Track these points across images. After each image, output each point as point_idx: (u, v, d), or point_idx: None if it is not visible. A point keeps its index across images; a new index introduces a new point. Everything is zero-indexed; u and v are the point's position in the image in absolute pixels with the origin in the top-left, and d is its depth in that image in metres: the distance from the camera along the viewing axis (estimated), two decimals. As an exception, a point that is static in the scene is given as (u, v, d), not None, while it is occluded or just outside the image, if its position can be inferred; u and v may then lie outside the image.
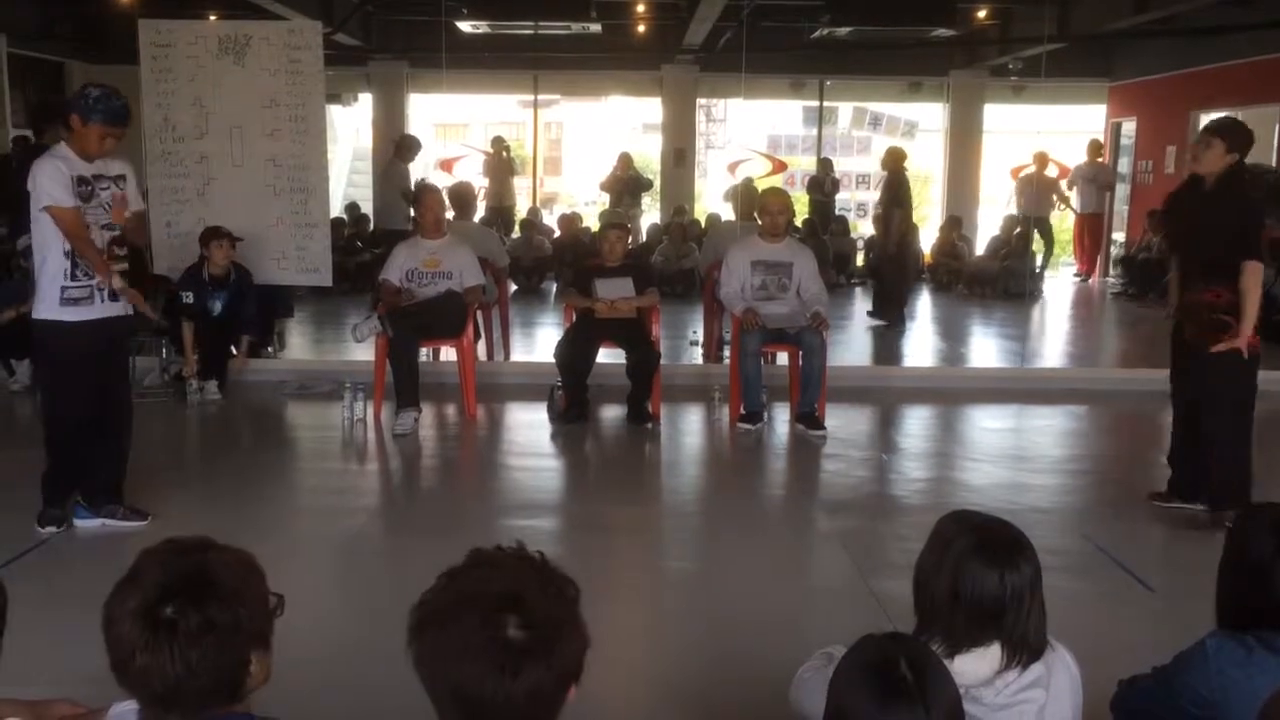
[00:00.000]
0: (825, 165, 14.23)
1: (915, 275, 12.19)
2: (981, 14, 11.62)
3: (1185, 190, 4.77)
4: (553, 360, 6.39)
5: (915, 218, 10.86)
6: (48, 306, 4.23)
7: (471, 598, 1.44)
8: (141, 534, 4.32)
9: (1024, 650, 1.98)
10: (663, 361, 6.50)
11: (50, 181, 4.09)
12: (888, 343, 9.57)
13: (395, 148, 10.61)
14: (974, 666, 1.96)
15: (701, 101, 15.62)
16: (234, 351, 7.07)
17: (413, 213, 9.13)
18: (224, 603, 1.51)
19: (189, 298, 6.79)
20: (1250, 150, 4.63)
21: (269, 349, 7.87)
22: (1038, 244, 12.87)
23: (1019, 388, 7.51)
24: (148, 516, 4.51)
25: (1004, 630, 1.97)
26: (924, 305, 12.04)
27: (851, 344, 9.35)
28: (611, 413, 6.53)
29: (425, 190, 7.18)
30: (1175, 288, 4.85)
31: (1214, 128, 4.65)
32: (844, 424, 6.48)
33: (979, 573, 1.97)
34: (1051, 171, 13.31)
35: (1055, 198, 13.28)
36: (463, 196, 8.56)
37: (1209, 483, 4.65)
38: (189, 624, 1.48)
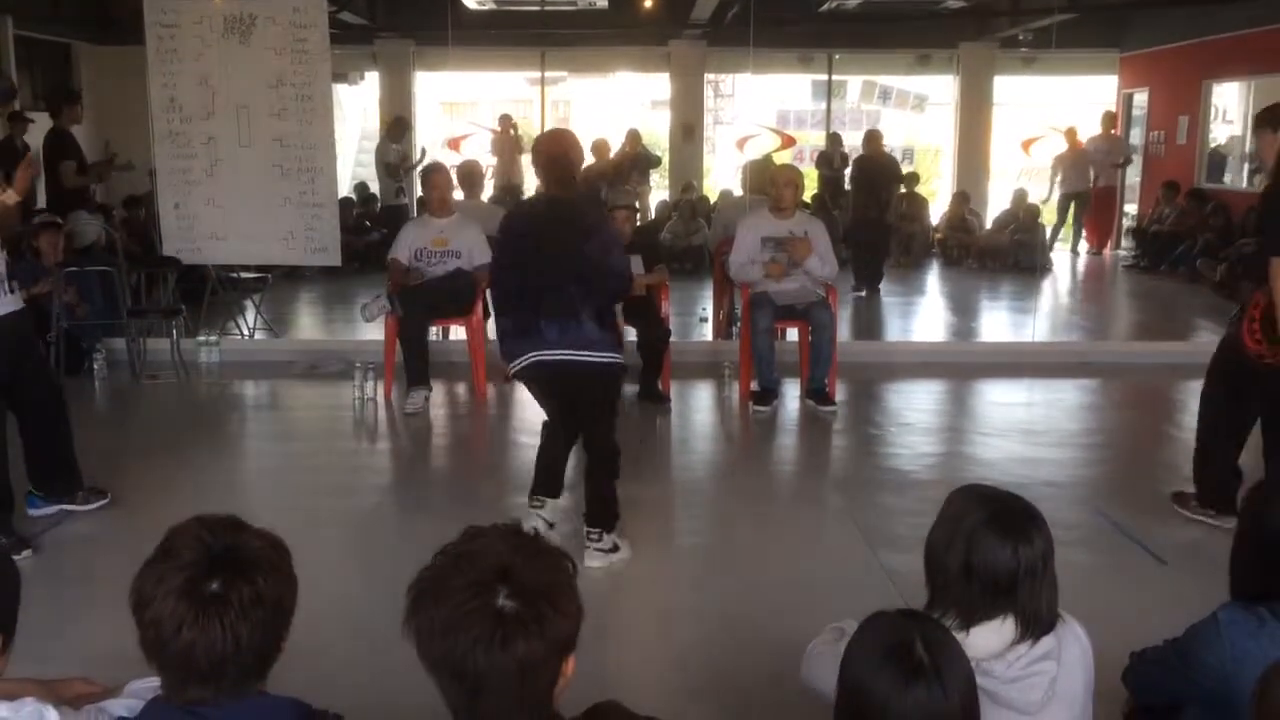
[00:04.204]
0: (834, 140, 14.14)
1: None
2: (992, -16, 11.53)
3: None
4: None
5: (925, 191, 10.81)
6: None
7: (462, 571, 1.46)
8: (140, 514, 4.34)
9: (1036, 623, 1.98)
10: (672, 339, 6.50)
11: None
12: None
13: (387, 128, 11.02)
14: (986, 640, 1.96)
15: (709, 77, 15.50)
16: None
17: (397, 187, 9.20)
18: (268, 579, 1.53)
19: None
20: None
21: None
22: (1056, 219, 12.80)
23: (1030, 361, 7.48)
24: (107, 494, 4.45)
25: (1017, 603, 1.97)
26: (934, 279, 12.00)
27: (857, 319, 9.33)
28: (621, 390, 6.52)
29: (432, 169, 7.15)
30: None
31: (1264, 117, 4.03)
32: (854, 399, 6.48)
33: (992, 546, 1.96)
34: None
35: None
36: (471, 175, 8.53)
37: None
38: (241, 597, 1.49)
